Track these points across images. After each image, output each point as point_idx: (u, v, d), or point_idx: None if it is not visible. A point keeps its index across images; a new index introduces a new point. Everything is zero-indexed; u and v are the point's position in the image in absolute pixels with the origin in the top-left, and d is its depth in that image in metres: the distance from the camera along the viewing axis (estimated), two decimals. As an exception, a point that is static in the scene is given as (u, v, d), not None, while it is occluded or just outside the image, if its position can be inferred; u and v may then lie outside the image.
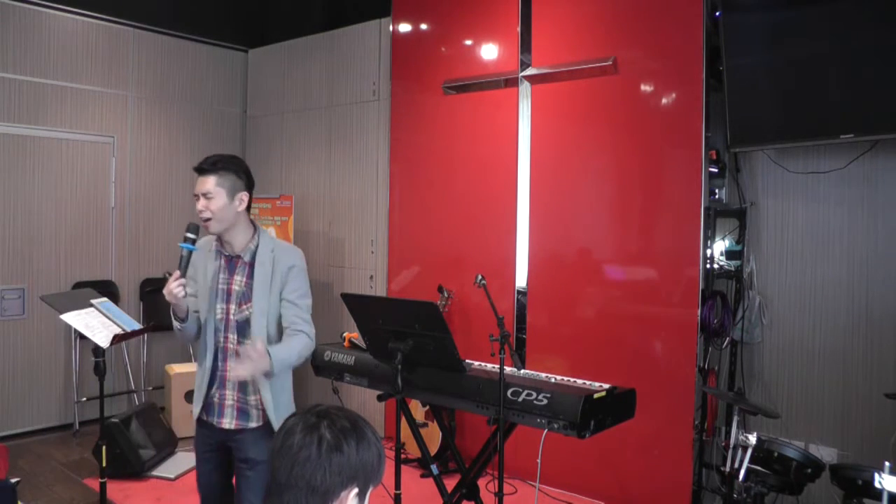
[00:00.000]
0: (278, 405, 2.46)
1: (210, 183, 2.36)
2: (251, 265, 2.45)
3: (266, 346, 2.31)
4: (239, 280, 2.46)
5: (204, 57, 5.94)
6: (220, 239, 2.48)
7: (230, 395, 2.47)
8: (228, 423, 2.46)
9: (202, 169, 2.39)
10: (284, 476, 1.21)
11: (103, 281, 5.30)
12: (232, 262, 2.47)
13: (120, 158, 5.45)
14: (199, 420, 2.54)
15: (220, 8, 6.12)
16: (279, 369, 2.34)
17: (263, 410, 2.46)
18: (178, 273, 2.32)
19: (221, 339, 2.46)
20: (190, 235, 2.37)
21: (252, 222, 2.51)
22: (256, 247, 2.46)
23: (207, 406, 2.50)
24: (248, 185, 2.45)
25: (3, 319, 4.85)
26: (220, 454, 2.54)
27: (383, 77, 5.05)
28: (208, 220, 2.37)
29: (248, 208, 2.47)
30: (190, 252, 2.37)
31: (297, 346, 2.41)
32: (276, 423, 2.41)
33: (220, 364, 2.47)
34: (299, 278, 2.47)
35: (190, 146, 5.84)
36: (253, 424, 2.46)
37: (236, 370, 2.26)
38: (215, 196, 2.35)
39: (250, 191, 2.46)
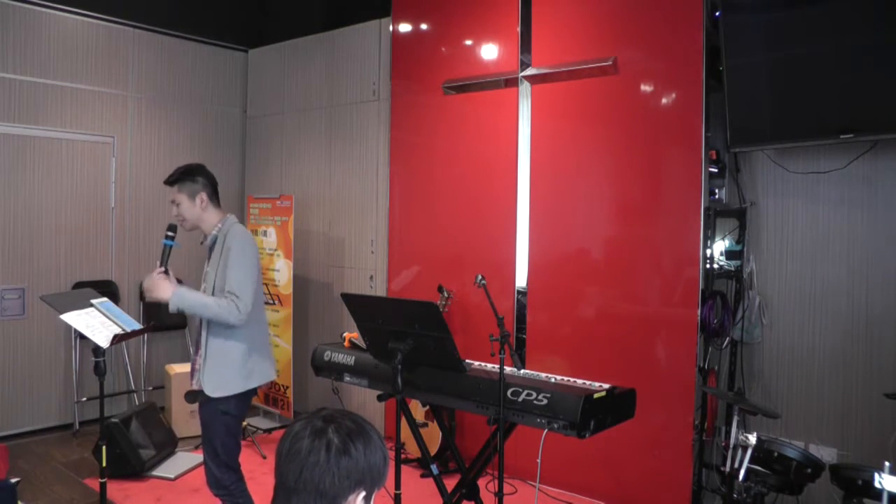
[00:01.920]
0: (211, 371, 2.79)
1: (174, 193, 2.88)
2: (212, 250, 2.88)
3: (175, 282, 2.79)
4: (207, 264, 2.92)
5: (204, 57, 5.94)
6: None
7: (198, 360, 2.88)
8: (195, 384, 2.88)
9: (169, 182, 2.90)
10: (293, 480, 1.21)
11: (103, 281, 5.30)
12: (207, 250, 2.95)
13: (120, 158, 5.45)
14: None
15: (220, 8, 6.12)
16: (178, 305, 2.71)
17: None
18: (158, 264, 2.84)
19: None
20: (170, 233, 2.86)
21: (222, 214, 2.93)
22: (217, 233, 2.87)
23: (192, 371, 2.94)
24: (206, 185, 2.89)
25: (3, 319, 4.85)
26: None
27: (383, 77, 5.05)
28: (181, 221, 2.91)
29: (216, 201, 2.93)
30: (170, 247, 2.88)
31: (213, 301, 2.72)
32: (207, 388, 2.79)
33: (199, 335, 2.89)
34: (236, 259, 2.76)
35: (190, 146, 5.84)
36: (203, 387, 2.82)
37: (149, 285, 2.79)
38: (181, 202, 2.87)
39: (208, 189, 2.89)
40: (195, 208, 2.87)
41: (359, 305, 2.93)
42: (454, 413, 4.38)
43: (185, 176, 2.87)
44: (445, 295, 4.48)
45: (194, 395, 2.95)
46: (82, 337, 4.53)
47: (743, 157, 3.98)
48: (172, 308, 2.71)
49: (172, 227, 2.88)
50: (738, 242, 3.98)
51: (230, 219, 2.92)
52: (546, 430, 2.53)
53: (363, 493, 1.23)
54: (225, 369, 2.81)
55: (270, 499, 1.29)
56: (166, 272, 2.83)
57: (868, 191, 3.62)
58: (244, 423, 4.87)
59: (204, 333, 2.84)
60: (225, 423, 2.82)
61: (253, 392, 2.92)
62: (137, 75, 5.52)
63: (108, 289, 5.21)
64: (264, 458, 4.54)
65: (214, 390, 2.79)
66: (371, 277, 5.14)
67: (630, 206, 3.92)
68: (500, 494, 2.69)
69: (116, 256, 5.44)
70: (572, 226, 4.12)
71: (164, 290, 2.73)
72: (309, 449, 1.21)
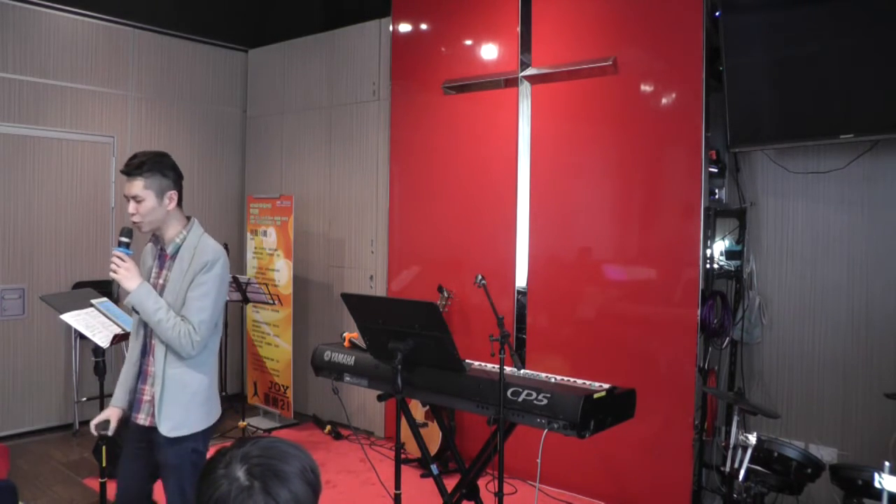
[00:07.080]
0: (169, 406, 2.36)
1: (138, 186, 2.33)
2: (173, 259, 2.43)
3: (145, 283, 2.35)
4: (165, 274, 2.44)
5: (204, 57, 5.94)
6: (155, 234, 2.48)
7: (148, 391, 2.45)
8: (143, 419, 2.45)
9: (128, 172, 2.35)
10: None
11: (103, 281, 5.29)
12: (162, 256, 2.47)
13: (120, 158, 5.43)
14: (130, 417, 2.54)
15: (220, 8, 6.12)
16: (135, 302, 2.32)
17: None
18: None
19: (148, 335, 2.45)
20: (124, 239, 2.38)
21: (186, 217, 2.47)
22: (182, 241, 2.42)
23: (133, 402, 2.52)
24: (177, 182, 2.42)
25: (3, 319, 4.85)
26: (147, 453, 2.45)
27: (383, 77, 5.05)
28: (139, 222, 2.37)
29: (180, 202, 2.44)
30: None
31: (173, 321, 2.31)
32: (163, 427, 2.35)
33: (144, 360, 2.48)
34: (213, 288, 2.37)
35: (190, 146, 5.84)
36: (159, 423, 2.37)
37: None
38: (145, 199, 2.34)
39: (178, 186, 2.43)
40: (161, 209, 2.37)
41: (359, 305, 2.93)
42: (454, 413, 4.38)
43: (154, 166, 2.35)
44: (445, 295, 4.48)
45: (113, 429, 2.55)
46: (82, 337, 4.53)
47: (743, 157, 3.98)
48: (127, 302, 2.33)
49: (127, 232, 2.39)
50: (738, 242, 3.98)
51: (197, 227, 2.47)
52: (546, 430, 2.53)
53: None
54: (190, 404, 2.41)
55: None
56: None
57: (868, 191, 3.62)
58: (244, 424, 4.88)
59: (161, 359, 2.39)
60: (194, 462, 2.39)
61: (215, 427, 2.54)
62: (137, 75, 5.52)
63: (108, 289, 5.19)
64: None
65: (180, 427, 2.37)
66: (371, 277, 5.14)
67: (630, 206, 3.92)
68: (500, 494, 2.68)
69: (116, 256, 5.43)
70: (572, 226, 4.12)
71: (132, 279, 2.32)
72: None
